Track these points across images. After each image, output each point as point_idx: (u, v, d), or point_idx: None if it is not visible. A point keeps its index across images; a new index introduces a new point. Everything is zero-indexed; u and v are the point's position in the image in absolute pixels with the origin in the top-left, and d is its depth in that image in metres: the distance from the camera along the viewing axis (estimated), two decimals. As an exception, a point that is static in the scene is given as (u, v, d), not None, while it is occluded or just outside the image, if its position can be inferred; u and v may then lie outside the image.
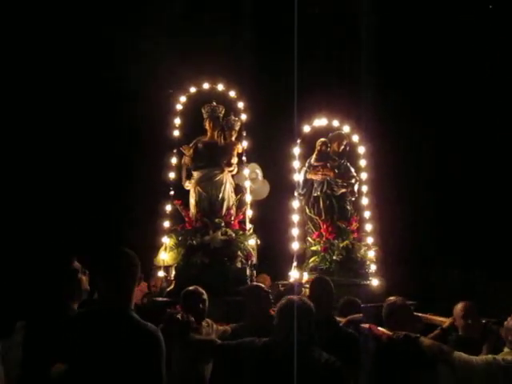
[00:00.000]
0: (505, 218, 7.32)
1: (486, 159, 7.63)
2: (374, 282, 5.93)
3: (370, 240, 6.15)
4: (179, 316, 2.89)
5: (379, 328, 3.32)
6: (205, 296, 3.54)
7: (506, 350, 2.87)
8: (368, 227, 6.25)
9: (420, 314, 4.55)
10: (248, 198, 5.63)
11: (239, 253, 5.10)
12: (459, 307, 3.82)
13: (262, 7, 7.07)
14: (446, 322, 3.87)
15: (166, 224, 5.42)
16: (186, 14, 6.90)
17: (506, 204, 7.37)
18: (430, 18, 7.67)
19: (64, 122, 6.91)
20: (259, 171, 6.21)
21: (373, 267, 6.06)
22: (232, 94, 5.94)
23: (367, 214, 6.33)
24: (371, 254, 6.08)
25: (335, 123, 6.47)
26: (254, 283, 3.92)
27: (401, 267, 6.82)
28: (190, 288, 3.59)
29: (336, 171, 6.11)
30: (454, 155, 7.79)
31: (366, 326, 3.38)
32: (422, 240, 7.60)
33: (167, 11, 6.72)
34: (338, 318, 3.92)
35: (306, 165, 6.18)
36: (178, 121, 5.79)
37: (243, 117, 5.84)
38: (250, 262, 5.33)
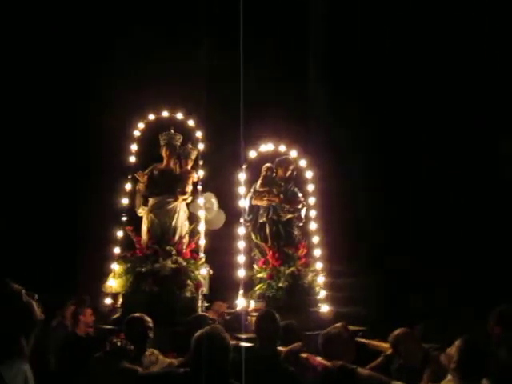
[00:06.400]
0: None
1: (439, 181, 7.86)
2: (324, 309, 6.01)
3: (319, 265, 6.18)
4: (118, 343, 2.92)
5: (317, 358, 3.41)
6: (149, 323, 3.54)
7: (448, 377, 2.93)
8: (317, 252, 6.28)
9: (365, 341, 4.73)
10: (202, 227, 5.70)
11: (189, 282, 5.11)
12: (398, 334, 3.94)
13: (212, 34, 7.24)
14: (389, 348, 4.04)
15: (117, 250, 5.39)
16: (146, 41, 6.98)
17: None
18: (381, 35, 7.90)
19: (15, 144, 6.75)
20: (215, 201, 6.33)
21: (322, 293, 6.12)
22: (191, 122, 6.06)
23: (316, 240, 6.36)
24: (320, 279, 6.12)
25: (282, 148, 6.52)
26: (199, 313, 3.97)
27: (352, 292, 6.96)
28: (135, 314, 3.61)
29: (281, 196, 6.14)
30: (404, 175, 8.02)
31: (305, 355, 3.47)
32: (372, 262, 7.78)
33: (127, 37, 6.78)
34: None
35: (252, 191, 6.18)
36: (134, 147, 5.84)
37: (201, 146, 5.98)
38: (200, 292, 5.35)
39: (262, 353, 3.19)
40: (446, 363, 2.98)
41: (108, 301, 5.20)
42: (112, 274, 5.23)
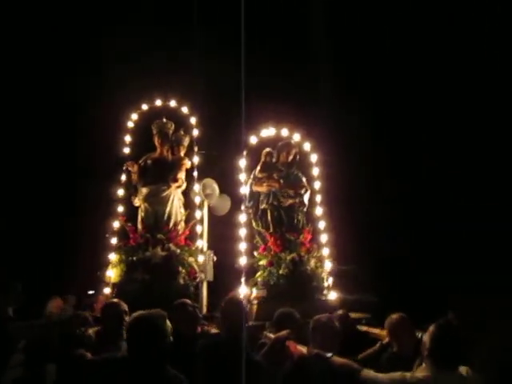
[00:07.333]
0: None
1: (441, 165, 7.57)
2: (331, 296, 5.80)
3: (325, 251, 5.97)
4: (77, 331, 2.93)
5: (297, 346, 3.25)
6: (125, 307, 3.49)
7: (422, 365, 2.77)
8: (323, 238, 6.05)
9: (366, 329, 4.52)
10: (198, 213, 5.63)
11: (181, 269, 5.06)
12: (393, 321, 3.70)
13: (209, 17, 7.11)
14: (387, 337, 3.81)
15: (114, 241, 5.43)
16: (138, 30, 6.95)
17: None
18: (381, 19, 7.68)
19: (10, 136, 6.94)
20: (216, 187, 6.21)
21: (330, 280, 5.87)
22: (184, 109, 5.98)
23: (322, 225, 6.13)
24: (327, 266, 5.89)
25: (284, 132, 6.33)
26: (182, 300, 3.88)
27: (359, 278, 6.69)
28: (111, 300, 3.61)
29: (281, 182, 5.96)
30: (408, 160, 7.75)
31: (288, 343, 3.32)
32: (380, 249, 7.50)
33: (119, 26, 6.77)
34: (268, 334, 3.89)
35: (251, 177, 6.05)
36: (128, 138, 5.84)
37: (195, 132, 5.89)
38: (199, 279, 5.29)
39: (226, 339, 3.06)
40: (422, 351, 2.71)
41: (107, 290, 5.25)
42: (110, 265, 5.28)
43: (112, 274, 5.22)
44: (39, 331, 4.10)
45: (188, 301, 3.87)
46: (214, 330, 3.60)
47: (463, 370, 2.53)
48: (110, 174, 5.70)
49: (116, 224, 5.48)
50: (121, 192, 5.62)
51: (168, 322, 2.43)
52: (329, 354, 2.97)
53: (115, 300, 3.61)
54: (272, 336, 3.54)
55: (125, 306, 3.53)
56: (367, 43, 7.93)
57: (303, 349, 3.16)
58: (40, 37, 6.85)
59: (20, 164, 6.96)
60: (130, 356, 2.27)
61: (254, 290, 5.57)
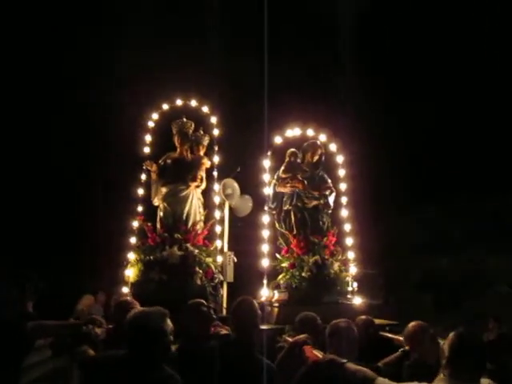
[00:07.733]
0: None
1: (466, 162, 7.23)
2: (356, 300, 5.60)
3: (350, 255, 5.80)
4: (84, 328, 2.89)
5: (313, 351, 3.10)
6: (136, 305, 3.44)
7: (440, 375, 2.55)
8: (348, 241, 5.89)
9: (390, 335, 4.30)
10: (217, 213, 5.53)
11: (198, 269, 4.96)
12: (413, 328, 3.54)
13: (232, 20, 7.06)
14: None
15: (133, 240, 5.40)
16: (158, 30, 6.99)
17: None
18: (407, 23, 7.47)
19: (30, 136, 7.08)
20: (236, 186, 6.12)
21: (354, 284, 5.70)
22: (205, 109, 5.94)
23: (347, 228, 5.97)
24: (352, 270, 5.72)
25: (310, 132, 6.19)
26: (196, 300, 3.77)
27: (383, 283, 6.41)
28: (123, 298, 3.56)
29: (305, 182, 5.78)
30: (433, 159, 7.45)
31: (305, 347, 3.18)
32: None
33: (139, 26, 6.81)
34: (287, 337, 3.74)
35: (275, 177, 5.91)
36: (148, 138, 5.84)
37: (216, 132, 5.82)
38: (217, 280, 5.20)
39: (235, 341, 2.94)
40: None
41: (125, 289, 5.23)
42: (129, 264, 5.26)
43: (130, 273, 5.19)
44: (64, 330, 4.13)
45: (202, 301, 3.76)
46: (223, 332, 3.46)
47: (485, 382, 2.28)
48: (130, 173, 5.71)
49: (135, 223, 5.47)
50: (140, 191, 5.61)
51: (168, 321, 2.33)
52: (343, 360, 2.80)
53: (128, 298, 3.56)
54: (290, 340, 3.40)
55: (137, 304, 3.47)
56: (394, 44, 7.74)
57: (319, 354, 3.01)
58: (53, 31, 6.95)
59: (44, 164, 7.12)
60: (129, 354, 2.19)
61: (276, 293, 5.42)
